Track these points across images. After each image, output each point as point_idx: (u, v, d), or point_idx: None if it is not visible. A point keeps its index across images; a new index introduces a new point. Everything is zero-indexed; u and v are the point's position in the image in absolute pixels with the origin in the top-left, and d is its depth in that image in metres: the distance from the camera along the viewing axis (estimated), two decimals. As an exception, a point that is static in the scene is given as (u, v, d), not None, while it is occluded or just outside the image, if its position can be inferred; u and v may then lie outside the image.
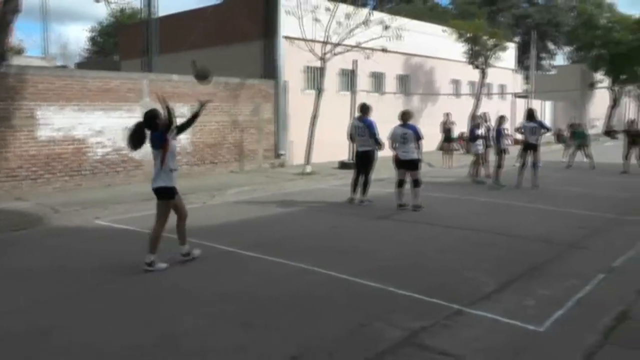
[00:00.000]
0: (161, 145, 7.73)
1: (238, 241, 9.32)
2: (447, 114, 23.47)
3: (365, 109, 13.48)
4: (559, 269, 8.23)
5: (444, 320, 6.11)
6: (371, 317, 6.14)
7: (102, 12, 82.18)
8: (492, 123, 18.23)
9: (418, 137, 12.72)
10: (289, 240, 9.77)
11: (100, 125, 15.77)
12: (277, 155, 21.08)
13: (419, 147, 12.77)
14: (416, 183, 12.76)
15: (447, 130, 23.06)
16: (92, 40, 57.47)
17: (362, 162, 13.38)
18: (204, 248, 8.66)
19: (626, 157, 20.59)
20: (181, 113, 8.97)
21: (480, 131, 17.80)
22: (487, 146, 17.87)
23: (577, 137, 23.28)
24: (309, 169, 18.83)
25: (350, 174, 15.26)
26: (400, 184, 12.96)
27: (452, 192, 15.79)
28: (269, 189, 15.94)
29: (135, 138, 7.75)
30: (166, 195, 7.90)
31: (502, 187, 16.14)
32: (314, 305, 6.57)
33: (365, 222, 11.50)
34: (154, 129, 7.73)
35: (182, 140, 16.79)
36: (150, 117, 7.76)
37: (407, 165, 12.84)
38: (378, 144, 13.13)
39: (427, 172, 17.64)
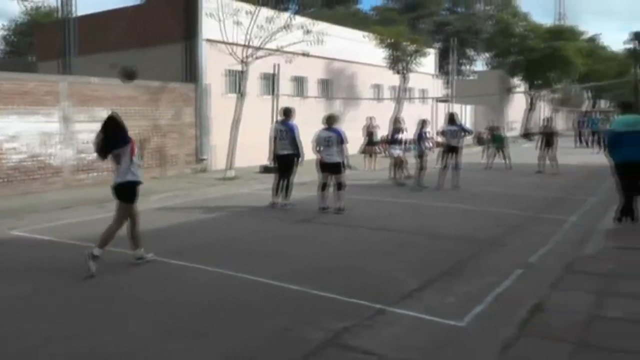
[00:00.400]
0: (128, 140, 8.21)
1: (161, 249, 9.09)
2: (371, 118, 23.68)
3: (288, 112, 13.51)
4: (478, 266, 8.47)
5: (367, 320, 6.18)
6: (295, 321, 6.16)
7: (16, 10, 78.99)
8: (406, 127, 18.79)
9: (342, 140, 12.80)
10: (212, 246, 9.70)
11: (14, 130, 15.17)
12: (199, 160, 20.83)
13: (343, 151, 12.85)
14: (340, 186, 12.84)
15: (370, 133, 23.23)
16: (5, 39, 55.12)
17: (284, 166, 13.37)
18: (125, 257, 8.48)
19: (541, 157, 21.15)
20: (100, 117, 8.77)
21: (401, 135, 18.15)
22: (405, 149, 18.22)
23: (495, 139, 23.89)
24: (231, 173, 18.73)
25: (271, 178, 15.22)
26: (324, 187, 12.99)
27: (374, 194, 16.02)
28: (191, 195, 15.78)
29: (104, 145, 8.17)
30: (129, 194, 8.31)
31: (425, 189, 16.45)
32: (239, 311, 6.53)
33: (288, 225, 11.50)
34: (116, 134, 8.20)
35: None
36: (115, 126, 8.20)
37: (330, 169, 12.91)
38: (297, 151, 13.18)
39: (349, 175, 17.65)
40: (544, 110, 65.33)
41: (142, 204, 13.78)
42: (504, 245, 9.82)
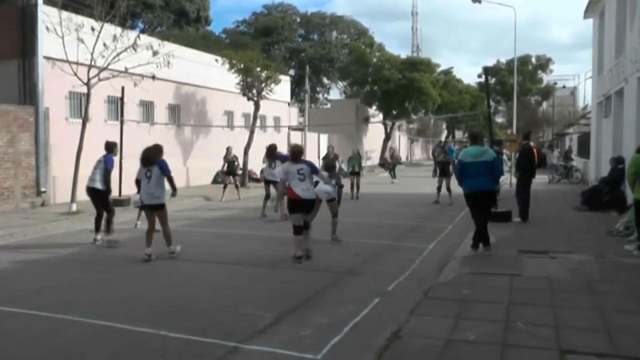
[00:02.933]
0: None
1: None
2: (229, 148, 23.63)
3: (108, 146, 13.42)
4: (335, 296, 8.70)
5: (219, 359, 6.22)
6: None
7: None
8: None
9: (316, 171, 11.83)
10: (51, 291, 9.16)
11: None
12: (39, 193, 19.84)
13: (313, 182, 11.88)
14: (307, 226, 11.60)
15: (230, 163, 23.25)
16: None
17: (93, 199, 13.26)
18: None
19: (439, 188, 21.45)
20: None
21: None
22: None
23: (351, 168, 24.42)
24: (74, 207, 17.86)
25: (119, 211, 14.79)
26: (299, 230, 11.30)
27: (225, 226, 16.07)
28: (28, 232, 14.99)
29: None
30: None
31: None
32: (82, 360, 6.34)
33: (133, 265, 11.04)
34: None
35: None
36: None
37: (306, 207, 11.44)
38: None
39: (205, 206, 17.65)
40: (400, 140, 68.06)
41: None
42: (362, 275, 10.13)
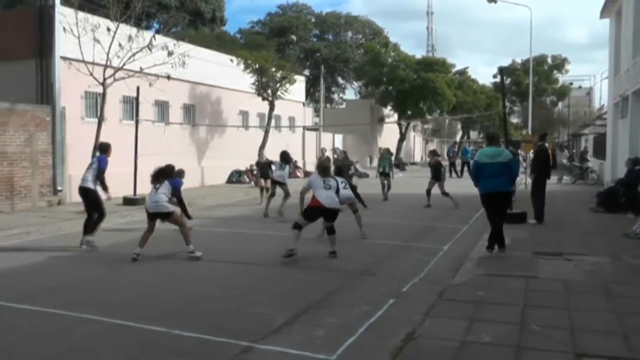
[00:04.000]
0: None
1: (5, 294, 8.64)
2: (261, 150, 23.21)
3: (103, 147, 13.44)
4: (349, 296, 8.67)
5: (232, 359, 6.20)
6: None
7: None
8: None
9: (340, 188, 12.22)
10: (65, 288, 9.25)
11: None
12: (55, 192, 19.84)
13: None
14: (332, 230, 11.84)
15: (265, 165, 21.90)
16: None
17: (84, 200, 13.04)
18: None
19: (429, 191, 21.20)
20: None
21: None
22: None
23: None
24: (90, 206, 17.94)
25: (134, 211, 14.77)
26: (300, 227, 11.47)
27: (236, 226, 16.09)
28: (44, 231, 15.04)
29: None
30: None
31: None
32: (95, 359, 6.32)
33: (148, 263, 11.10)
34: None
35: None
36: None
37: (329, 215, 11.65)
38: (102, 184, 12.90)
39: (218, 205, 17.52)
40: (414, 140, 67.94)
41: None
42: (376, 275, 10.12)
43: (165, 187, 11.62)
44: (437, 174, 21.07)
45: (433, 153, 22.97)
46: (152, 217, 11.60)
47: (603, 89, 58.59)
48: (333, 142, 44.04)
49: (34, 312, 7.88)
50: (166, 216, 11.58)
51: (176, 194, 11.97)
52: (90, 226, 12.78)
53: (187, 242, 11.52)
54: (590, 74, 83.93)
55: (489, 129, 43.51)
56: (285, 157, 18.76)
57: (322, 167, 12.38)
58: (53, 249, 12.78)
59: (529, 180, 18.25)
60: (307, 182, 12.57)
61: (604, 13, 27.07)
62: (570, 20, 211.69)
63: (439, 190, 20.77)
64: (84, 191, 12.81)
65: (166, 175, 11.93)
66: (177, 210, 11.95)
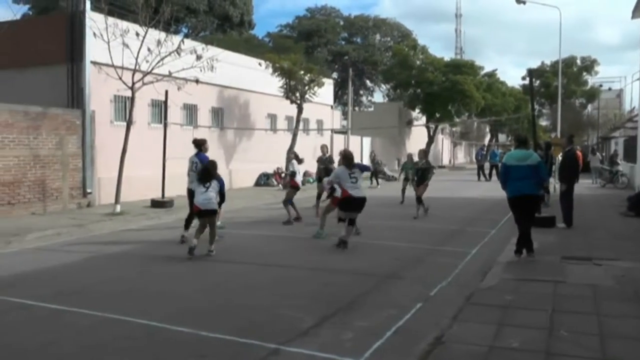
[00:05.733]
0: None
1: (36, 293, 8.77)
2: (324, 146, 20.84)
3: (198, 144, 13.97)
4: (377, 300, 8.66)
5: (261, 361, 6.24)
6: (187, 366, 6.15)
7: None
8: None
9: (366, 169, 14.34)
10: (94, 288, 9.36)
11: None
12: (85, 194, 20.06)
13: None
14: (352, 222, 13.11)
15: (328, 163, 19.71)
16: None
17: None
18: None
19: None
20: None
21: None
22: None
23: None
24: (118, 208, 18.15)
25: (161, 213, 14.93)
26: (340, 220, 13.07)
27: (266, 229, 16.11)
28: (74, 233, 15.22)
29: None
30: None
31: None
32: (122, 358, 6.35)
33: (175, 264, 11.25)
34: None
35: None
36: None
37: (357, 206, 12.96)
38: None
39: (247, 208, 17.46)
40: (443, 143, 67.71)
41: (20, 244, 13.43)
42: (403, 279, 10.07)
43: (215, 185, 12.21)
44: (423, 177, 19.17)
45: (424, 153, 20.65)
46: (204, 214, 12.10)
47: (634, 90, 58.00)
48: (361, 145, 44.00)
49: (63, 312, 7.98)
50: (212, 214, 12.19)
51: (222, 191, 12.43)
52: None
53: (212, 241, 12.06)
54: (621, 75, 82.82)
55: (519, 132, 43.19)
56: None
57: (347, 158, 13.27)
58: (82, 250, 12.95)
59: (557, 184, 18.06)
60: (334, 174, 13.47)
61: (636, 13, 26.68)
62: (601, 21, 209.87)
63: (415, 193, 19.19)
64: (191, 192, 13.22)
65: (213, 175, 12.39)
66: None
